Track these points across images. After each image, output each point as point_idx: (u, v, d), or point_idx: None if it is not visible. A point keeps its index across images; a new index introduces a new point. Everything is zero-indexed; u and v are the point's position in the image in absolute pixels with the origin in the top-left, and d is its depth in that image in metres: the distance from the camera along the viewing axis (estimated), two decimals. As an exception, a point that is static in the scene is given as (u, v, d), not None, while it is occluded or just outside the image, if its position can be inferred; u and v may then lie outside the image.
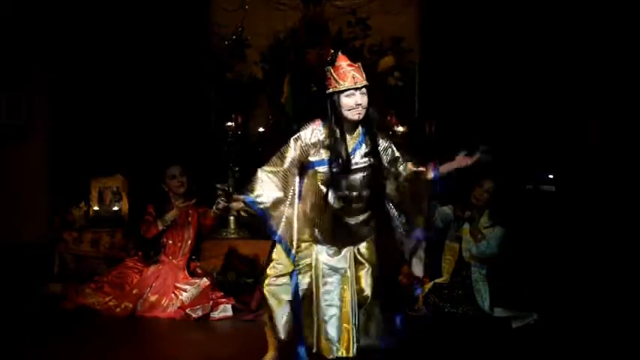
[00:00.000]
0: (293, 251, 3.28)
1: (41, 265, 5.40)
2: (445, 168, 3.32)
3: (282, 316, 3.27)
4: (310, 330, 3.22)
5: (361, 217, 3.27)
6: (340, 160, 3.16)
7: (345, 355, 3.15)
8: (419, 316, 4.60)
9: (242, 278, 5.07)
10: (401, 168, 3.32)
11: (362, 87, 3.14)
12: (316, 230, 3.28)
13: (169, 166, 4.93)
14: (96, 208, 5.76)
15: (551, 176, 5.92)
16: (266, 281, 3.29)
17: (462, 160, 3.31)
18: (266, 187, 3.24)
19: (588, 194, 5.48)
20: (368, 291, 3.27)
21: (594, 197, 5.41)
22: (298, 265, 3.28)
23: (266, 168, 3.29)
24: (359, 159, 3.21)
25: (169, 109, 6.12)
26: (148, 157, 5.81)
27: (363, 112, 3.16)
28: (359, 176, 3.21)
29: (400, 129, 6.13)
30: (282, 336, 3.28)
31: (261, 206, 3.23)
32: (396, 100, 6.33)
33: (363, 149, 3.23)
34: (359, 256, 3.30)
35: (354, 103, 3.13)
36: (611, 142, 5.42)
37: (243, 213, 3.25)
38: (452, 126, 5.93)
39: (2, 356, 3.82)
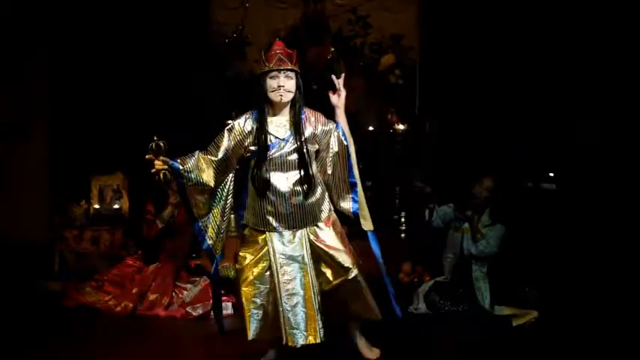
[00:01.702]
0: (209, 243, 3.27)
1: (41, 263, 5.40)
2: (338, 117, 3.39)
3: (250, 315, 3.26)
4: (277, 322, 3.21)
5: (308, 199, 3.27)
6: (265, 140, 3.21)
7: (313, 341, 3.15)
8: (419, 314, 4.59)
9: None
10: (332, 139, 3.34)
11: (286, 70, 3.21)
12: (263, 218, 3.26)
13: None
14: (96, 206, 5.77)
15: (551, 174, 5.91)
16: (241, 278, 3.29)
17: (335, 100, 3.39)
18: (199, 169, 3.20)
19: (589, 192, 5.46)
20: (339, 271, 3.25)
21: (595, 195, 5.40)
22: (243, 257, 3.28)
23: (203, 155, 3.26)
24: (291, 140, 3.25)
25: (169, 106, 6.11)
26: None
27: (287, 94, 3.23)
28: (293, 157, 3.24)
29: (401, 127, 6.13)
30: (249, 336, 3.27)
31: (185, 180, 3.17)
32: (397, 98, 6.33)
33: (293, 130, 3.26)
34: (316, 242, 3.29)
35: (276, 85, 3.21)
36: (611, 140, 5.41)
37: (161, 175, 3.16)
38: (452, 123, 5.93)
39: (2, 356, 3.82)
